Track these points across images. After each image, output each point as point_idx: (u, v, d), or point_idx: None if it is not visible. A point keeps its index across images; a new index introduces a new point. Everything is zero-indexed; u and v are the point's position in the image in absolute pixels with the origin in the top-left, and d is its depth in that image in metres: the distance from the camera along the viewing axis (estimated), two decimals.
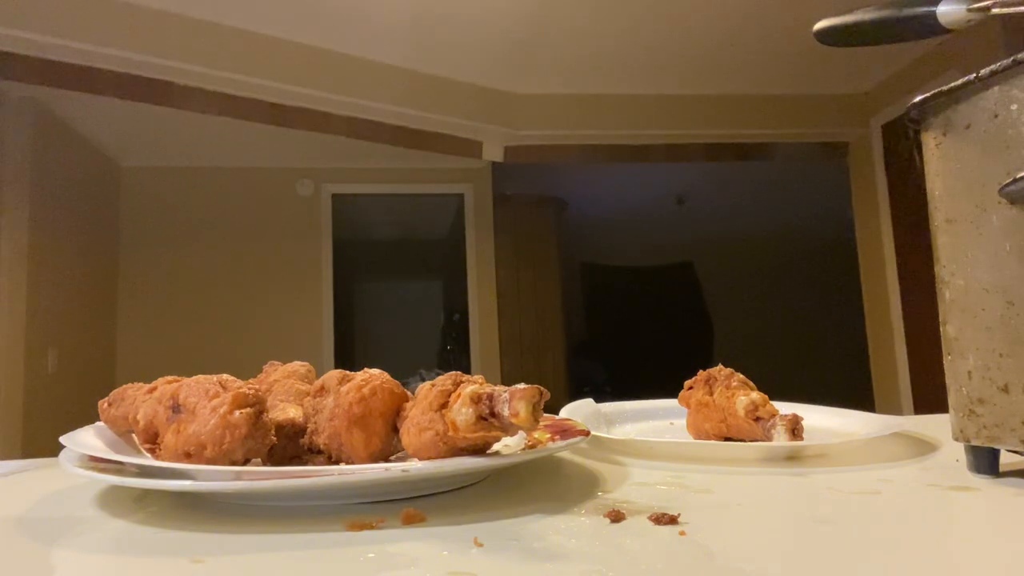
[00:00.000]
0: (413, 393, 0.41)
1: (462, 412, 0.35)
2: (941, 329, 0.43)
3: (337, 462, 0.41)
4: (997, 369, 0.39)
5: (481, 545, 0.31)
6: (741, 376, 0.57)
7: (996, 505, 0.37)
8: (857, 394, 3.71)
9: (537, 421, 0.35)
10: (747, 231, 6.04)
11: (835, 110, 3.86)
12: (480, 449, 0.38)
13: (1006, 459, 0.42)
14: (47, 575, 0.30)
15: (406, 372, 5.06)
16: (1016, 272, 0.38)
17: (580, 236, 6.08)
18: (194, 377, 0.41)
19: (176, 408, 0.39)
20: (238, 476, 0.37)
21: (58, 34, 2.67)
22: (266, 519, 0.36)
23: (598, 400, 0.69)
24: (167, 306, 4.35)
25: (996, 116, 0.39)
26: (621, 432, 0.62)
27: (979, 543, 0.31)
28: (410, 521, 0.35)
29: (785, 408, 0.54)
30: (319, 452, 0.42)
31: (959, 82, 0.41)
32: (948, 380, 0.42)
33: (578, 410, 0.62)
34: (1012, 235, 0.38)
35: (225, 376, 0.40)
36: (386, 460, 0.41)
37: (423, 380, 0.41)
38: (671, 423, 0.65)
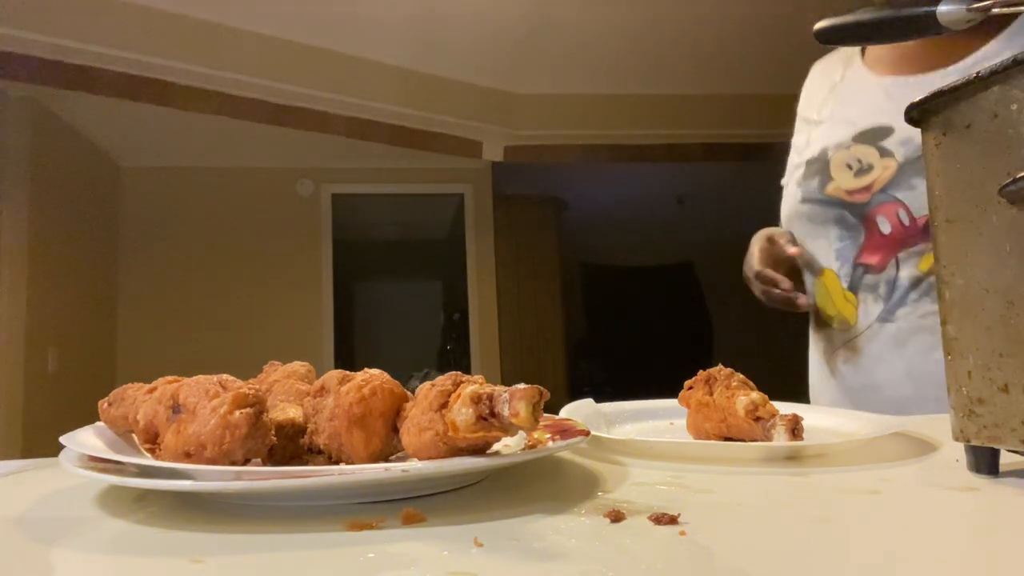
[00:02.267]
0: (413, 393, 0.41)
1: (462, 412, 0.35)
2: (941, 329, 0.43)
3: (337, 462, 0.41)
4: (997, 369, 0.39)
5: (481, 545, 0.31)
6: (741, 376, 0.57)
7: (996, 505, 0.37)
8: None
9: (537, 421, 0.35)
10: (747, 231, 6.01)
11: None
12: (480, 449, 0.38)
13: (1006, 459, 0.42)
14: (47, 575, 0.30)
15: (406, 372, 5.06)
16: (1016, 272, 0.38)
17: (580, 236, 6.07)
18: (194, 377, 0.41)
19: (176, 408, 0.39)
20: (238, 476, 0.37)
21: (58, 34, 2.67)
22: (266, 519, 0.36)
23: (598, 400, 0.69)
24: (167, 306, 4.34)
25: (996, 116, 0.39)
26: (621, 432, 0.62)
27: (979, 543, 0.31)
28: (410, 521, 0.35)
29: (785, 408, 0.54)
30: (319, 452, 0.42)
31: (959, 82, 0.41)
32: (948, 380, 0.42)
33: (578, 410, 0.62)
34: (1012, 235, 0.38)
35: (225, 376, 0.40)
36: (386, 460, 0.41)
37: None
38: (671, 423, 0.65)
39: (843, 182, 0.93)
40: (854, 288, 0.93)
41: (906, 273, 0.88)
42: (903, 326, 0.88)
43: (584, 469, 0.49)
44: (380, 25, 3.10)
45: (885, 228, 0.89)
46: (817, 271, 0.98)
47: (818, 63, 1.15)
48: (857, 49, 1.06)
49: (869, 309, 0.91)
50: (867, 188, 0.90)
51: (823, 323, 1.00)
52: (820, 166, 0.97)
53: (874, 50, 1.02)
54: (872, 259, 0.91)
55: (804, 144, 1.07)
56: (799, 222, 1.01)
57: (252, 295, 4.44)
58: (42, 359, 3.45)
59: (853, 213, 0.92)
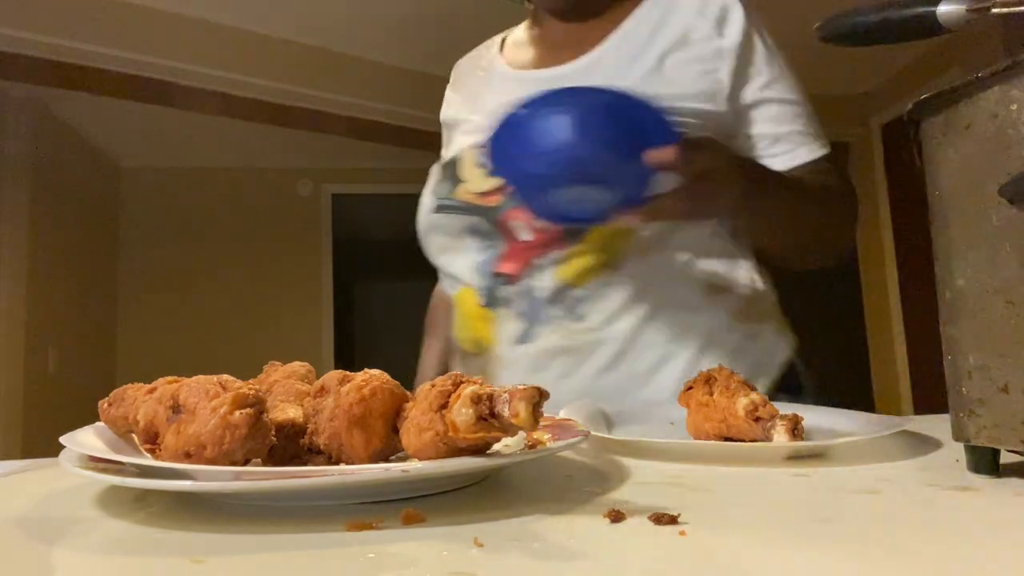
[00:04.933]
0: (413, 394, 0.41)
1: (462, 413, 0.35)
2: (941, 329, 0.43)
3: (337, 462, 0.40)
4: (997, 369, 0.39)
5: (481, 545, 0.31)
6: (741, 376, 0.57)
7: (996, 505, 0.37)
8: (857, 394, 3.70)
9: (537, 421, 0.35)
10: None
11: (835, 110, 3.86)
12: (480, 449, 0.38)
13: (1006, 459, 0.42)
14: (47, 575, 0.30)
15: (406, 372, 5.04)
16: (1016, 272, 0.38)
17: None
18: (194, 377, 0.41)
19: (176, 408, 0.39)
20: (238, 476, 0.37)
21: (58, 34, 2.67)
22: (266, 519, 0.37)
23: None
24: (167, 306, 4.34)
25: (996, 116, 0.39)
26: (621, 432, 0.62)
27: (979, 543, 0.31)
28: (410, 521, 0.35)
29: (785, 408, 0.54)
30: (319, 452, 0.42)
31: (959, 82, 0.41)
32: (948, 380, 0.42)
33: (578, 410, 0.62)
34: (1012, 235, 0.38)
35: (225, 376, 0.40)
36: (386, 460, 0.41)
37: None
38: (671, 423, 0.65)
39: (474, 183, 0.82)
40: (493, 304, 0.81)
41: (544, 284, 0.78)
42: (544, 347, 0.78)
43: (584, 469, 0.49)
44: (381, 25, 3.10)
45: (524, 234, 0.78)
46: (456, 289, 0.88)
47: (461, 61, 1.09)
48: (498, 41, 1.01)
49: (508, 329, 0.80)
50: (500, 189, 0.80)
51: (460, 348, 0.89)
52: (453, 169, 0.86)
53: (514, 44, 0.97)
54: (509, 267, 0.80)
55: (446, 150, 0.99)
56: (435, 235, 0.87)
57: (252, 295, 4.44)
58: (42, 359, 3.45)
59: (488, 218, 0.80)
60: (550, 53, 0.91)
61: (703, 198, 0.66)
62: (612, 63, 0.84)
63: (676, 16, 0.83)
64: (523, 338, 0.79)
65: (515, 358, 0.80)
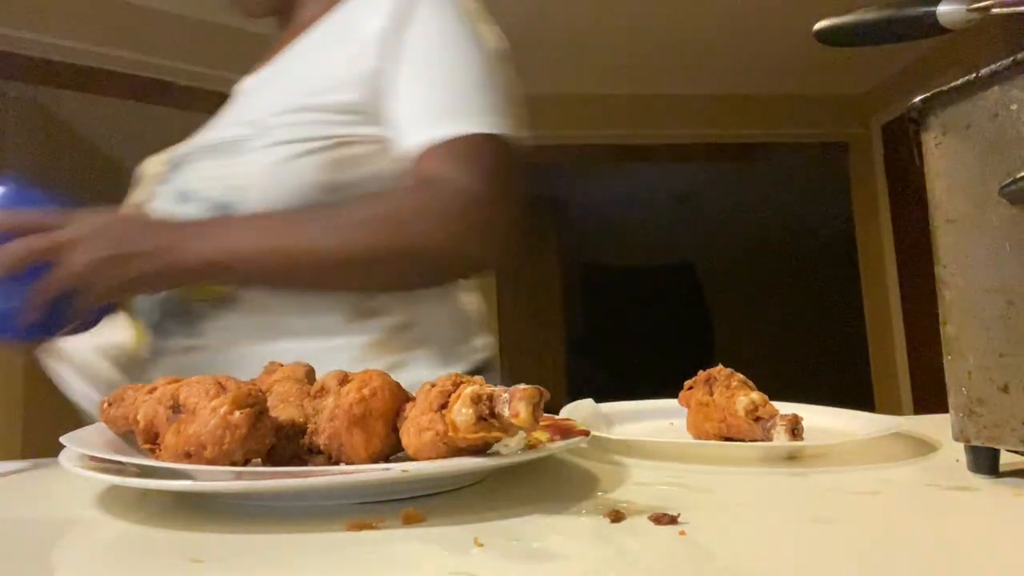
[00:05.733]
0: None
1: (462, 413, 0.35)
2: (941, 329, 0.43)
3: (337, 462, 0.40)
4: (997, 369, 0.39)
5: (481, 545, 0.31)
6: (741, 376, 0.57)
7: (996, 505, 0.37)
8: (857, 394, 3.70)
9: (537, 421, 0.35)
10: (747, 231, 6.03)
11: (835, 110, 3.86)
12: (480, 449, 0.38)
13: (1006, 459, 0.42)
14: (47, 575, 0.30)
15: None
16: (1016, 272, 0.38)
17: (580, 237, 6.07)
18: (194, 377, 0.41)
19: (176, 408, 0.39)
20: (238, 476, 0.37)
21: (58, 34, 2.67)
22: (266, 519, 0.37)
23: (598, 400, 0.69)
24: None
25: (996, 116, 0.39)
26: (621, 432, 0.62)
27: (979, 543, 0.31)
28: (410, 521, 0.35)
29: (785, 408, 0.54)
30: (319, 452, 0.42)
31: (959, 82, 0.41)
32: (948, 380, 0.42)
33: (578, 410, 0.62)
34: (1012, 235, 0.38)
35: (225, 376, 0.40)
36: (386, 460, 0.41)
37: None
38: (671, 423, 0.65)
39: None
40: (138, 314, 0.78)
41: (169, 296, 0.74)
42: (167, 362, 0.74)
43: (584, 469, 0.49)
44: None
45: None
46: None
47: None
48: None
49: (143, 341, 0.77)
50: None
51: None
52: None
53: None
54: None
55: None
56: None
57: None
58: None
59: None
60: (263, 60, 0.92)
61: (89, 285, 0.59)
62: (276, 68, 0.84)
63: (354, 3, 0.78)
64: (152, 351, 0.76)
65: (151, 370, 0.76)
